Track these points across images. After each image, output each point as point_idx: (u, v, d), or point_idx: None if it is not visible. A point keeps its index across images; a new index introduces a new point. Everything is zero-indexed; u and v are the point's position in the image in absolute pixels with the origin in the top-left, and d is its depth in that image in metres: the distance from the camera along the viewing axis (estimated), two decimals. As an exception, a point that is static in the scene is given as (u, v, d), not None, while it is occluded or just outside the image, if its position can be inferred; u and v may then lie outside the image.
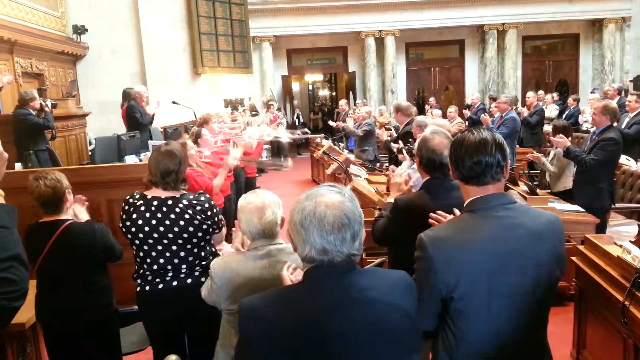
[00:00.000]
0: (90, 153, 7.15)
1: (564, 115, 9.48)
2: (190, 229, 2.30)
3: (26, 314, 2.44)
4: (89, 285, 2.41)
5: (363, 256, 3.61)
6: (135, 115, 6.57)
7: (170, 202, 2.32)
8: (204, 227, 2.34)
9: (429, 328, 1.50)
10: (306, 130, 8.99)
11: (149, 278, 2.35)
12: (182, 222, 2.30)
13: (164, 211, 2.30)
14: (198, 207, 2.33)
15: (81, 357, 2.44)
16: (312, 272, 1.26)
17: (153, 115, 6.94)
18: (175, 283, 2.34)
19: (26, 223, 1.31)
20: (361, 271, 1.30)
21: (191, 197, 2.36)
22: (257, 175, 7.63)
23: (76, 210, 2.58)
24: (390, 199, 2.37)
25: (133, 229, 2.33)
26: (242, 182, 5.67)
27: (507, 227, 1.48)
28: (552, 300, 1.57)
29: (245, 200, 1.98)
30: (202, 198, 2.38)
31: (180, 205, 2.31)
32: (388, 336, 1.25)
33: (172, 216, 2.30)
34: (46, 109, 5.53)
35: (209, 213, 2.35)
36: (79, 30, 9.77)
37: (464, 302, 1.43)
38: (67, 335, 2.41)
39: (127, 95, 7.18)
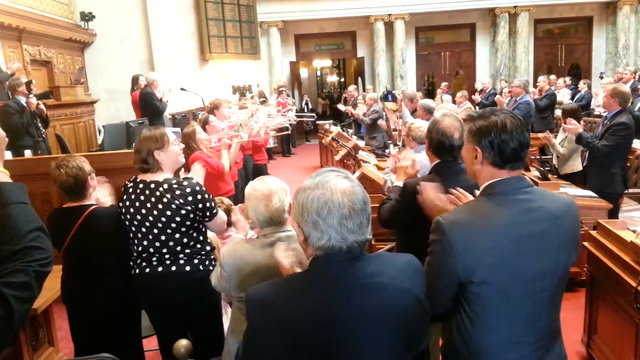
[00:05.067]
0: (100, 142, 7.20)
1: (575, 99, 9.34)
2: (168, 212, 2.26)
3: (38, 300, 2.46)
4: (114, 266, 2.44)
5: (372, 242, 3.60)
6: (154, 103, 6.61)
7: (152, 185, 2.31)
8: (182, 212, 2.27)
9: (439, 312, 1.48)
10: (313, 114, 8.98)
11: (138, 261, 2.37)
12: (160, 206, 2.27)
13: (146, 194, 2.30)
14: (177, 192, 2.27)
15: (103, 335, 2.48)
16: (320, 260, 1.24)
17: (166, 101, 6.99)
18: (160, 269, 2.32)
19: (37, 209, 1.36)
20: (369, 257, 1.29)
21: (173, 181, 2.32)
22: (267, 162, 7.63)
23: (99, 195, 2.60)
24: (398, 183, 2.36)
25: (123, 211, 2.35)
26: (250, 169, 5.67)
27: (527, 211, 1.46)
28: (565, 284, 1.55)
29: (252, 188, 1.96)
30: (185, 183, 2.31)
31: (160, 188, 2.29)
32: (397, 321, 1.24)
33: (153, 199, 2.28)
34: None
35: (189, 198, 2.27)
36: (87, 17, 9.77)
37: (482, 286, 1.42)
38: (91, 314, 2.45)
39: (136, 81, 7.19)
